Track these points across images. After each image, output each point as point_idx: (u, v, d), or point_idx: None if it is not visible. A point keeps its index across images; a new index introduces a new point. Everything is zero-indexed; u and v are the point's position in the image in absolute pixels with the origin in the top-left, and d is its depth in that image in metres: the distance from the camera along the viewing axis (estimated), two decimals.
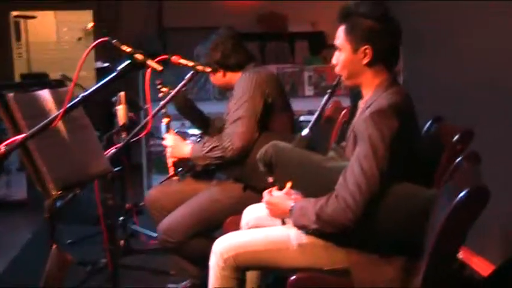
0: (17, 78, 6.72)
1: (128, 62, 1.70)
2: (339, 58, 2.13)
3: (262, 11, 6.68)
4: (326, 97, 2.41)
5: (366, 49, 2.05)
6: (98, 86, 1.72)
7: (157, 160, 5.33)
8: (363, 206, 1.88)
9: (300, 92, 5.35)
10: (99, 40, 1.68)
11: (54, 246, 2.00)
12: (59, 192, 1.91)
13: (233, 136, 2.75)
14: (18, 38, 7.29)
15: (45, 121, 1.73)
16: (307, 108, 5.16)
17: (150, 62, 1.68)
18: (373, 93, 2.07)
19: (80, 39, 8.51)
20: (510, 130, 2.68)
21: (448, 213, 1.45)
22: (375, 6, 2.05)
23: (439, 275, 1.53)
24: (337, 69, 2.17)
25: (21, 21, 6.88)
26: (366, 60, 2.06)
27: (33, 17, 6.73)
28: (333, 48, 6.33)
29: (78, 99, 1.70)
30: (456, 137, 2.10)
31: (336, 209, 1.91)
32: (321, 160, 2.13)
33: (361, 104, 2.13)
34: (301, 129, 3.04)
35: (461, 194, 1.43)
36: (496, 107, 2.88)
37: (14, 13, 6.80)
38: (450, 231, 1.46)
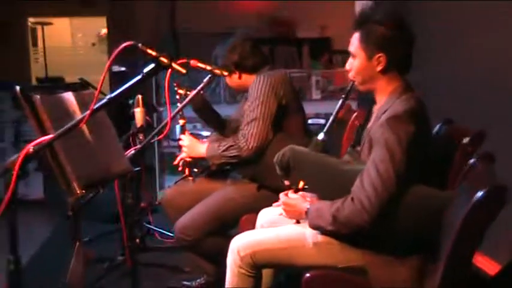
0: (34, 82, 6.74)
1: (154, 65, 1.69)
2: (353, 64, 2.12)
3: (272, 16, 6.68)
4: (340, 102, 2.40)
5: (379, 57, 2.03)
6: (123, 88, 1.71)
7: (170, 161, 5.34)
8: (379, 209, 1.87)
9: (308, 96, 5.35)
10: (126, 44, 1.67)
11: (77, 243, 1.98)
12: (83, 191, 1.89)
13: (248, 136, 2.75)
14: (35, 44, 7.32)
15: (72, 122, 1.73)
16: (315, 112, 5.16)
17: (174, 65, 1.67)
18: (387, 99, 2.06)
19: (94, 44, 8.56)
20: None
21: (466, 213, 1.44)
22: (390, 14, 2.03)
23: (457, 276, 1.50)
24: (350, 75, 2.16)
25: (38, 27, 6.92)
26: (379, 68, 2.05)
27: (49, 24, 6.77)
28: (338, 53, 6.30)
29: (104, 101, 1.69)
30: (467, 139, 2.10)
31: (352, 211, 1.90)
32: (336, 163, 2.12)
33: (375, 110, 2.12)
34: (312, 131, 3.05)
35: (480, 193, 1.42)
36: (502, 108, 2.85)
37: (32, 20, 6.84)
38: (468, 230, 1.44)
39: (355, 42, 2.09)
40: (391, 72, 2.06)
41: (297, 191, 2.22)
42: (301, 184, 2.19)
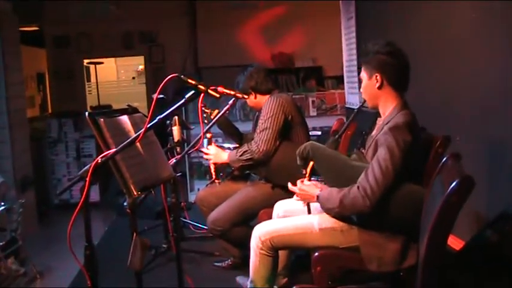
0: (88, 109, 6.81)
1: (193, 91, 1.71)
2: (362, 86, 2.16)
3: (275, 51, 6.75)
4: (353, 114, 2.45)
5: (376, 76, 2.07)
6: (170, 110, 1.74)
7: (198, 168, 5.38)
8: (379, 196, 1.89)
9: (306, 113, 5.37)
10: (171, 76, 1.70)
11: (135, 234, 2.00)
12: (139, 193, 1.90)
13: (259, 142, 2.80)
14: (89, 79, 7.40)
15: (130, 139, 1.75)
16: (311, 126, 5.17)
17: (210, 91, 1.69)
18: (389, 113, 2.08)
19: (133, 78, 8.64)
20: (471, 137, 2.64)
21: (443, 199, 1.41)
22: (385, 45, 2.07)
23: (436, 250, 1.48)
24: (362, 95, 2.20)
25: (91, 66, 6.99)
26: (377, 85, 2.08)
27: (100, 63, 6.85)
28: (329, 78, 6.22)
29: (155, 121, 1.71)
30: (438, 143, 2.11)
31: (357, 197, 1.92)
32: (346, 159, 2.14)
33: (379, 122, 2.14)
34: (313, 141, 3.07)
35: (454, 183, 1.39)
36: (462, 120, 2.83)
37: (86, 61, 6.93)
38: (445, 213, 1.41)
39: (362, 68, 2.14)
40: (388, 89, 2.08)
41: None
42: (310, 164, 2.15)
